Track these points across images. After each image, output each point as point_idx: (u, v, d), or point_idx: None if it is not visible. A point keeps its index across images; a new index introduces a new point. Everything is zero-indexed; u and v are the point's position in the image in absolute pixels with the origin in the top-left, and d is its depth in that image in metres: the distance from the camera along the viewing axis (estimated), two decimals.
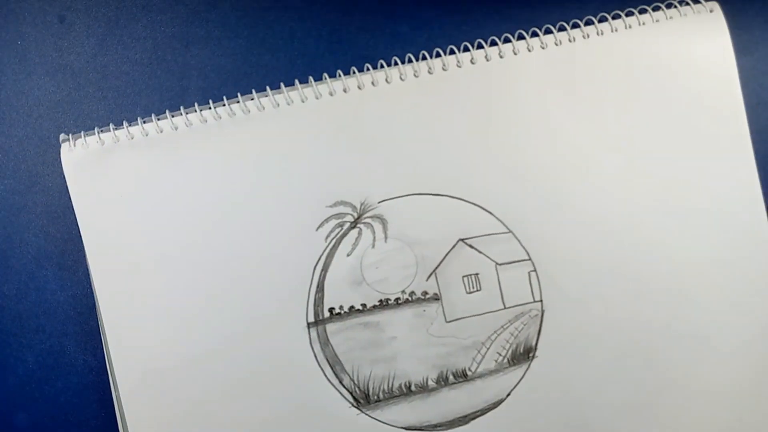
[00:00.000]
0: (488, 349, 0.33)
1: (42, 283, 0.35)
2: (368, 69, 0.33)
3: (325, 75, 0.33)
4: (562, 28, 0.34)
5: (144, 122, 0.32)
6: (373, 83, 0.33)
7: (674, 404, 0.33)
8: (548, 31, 0.34)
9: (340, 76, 0.33)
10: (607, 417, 0.33)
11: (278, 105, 0.33)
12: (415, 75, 0.33)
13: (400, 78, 0.33)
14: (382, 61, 0.33)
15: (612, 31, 0.34)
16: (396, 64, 0.33)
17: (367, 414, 0.33)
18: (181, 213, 0.32)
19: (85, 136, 0.32)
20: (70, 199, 0.33)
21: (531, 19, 0.35)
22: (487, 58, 0.33)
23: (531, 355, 0.33)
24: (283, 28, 0.35)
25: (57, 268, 0.34)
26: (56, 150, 0.33)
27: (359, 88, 0.33)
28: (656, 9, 0.34)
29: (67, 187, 0.32)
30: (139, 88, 0.34)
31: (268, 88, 0.33)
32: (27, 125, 0.34)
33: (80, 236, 0.33)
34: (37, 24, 0.34)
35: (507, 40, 0.34)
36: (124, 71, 0.34)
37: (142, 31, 0.34)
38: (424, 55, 0.33)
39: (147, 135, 0.32)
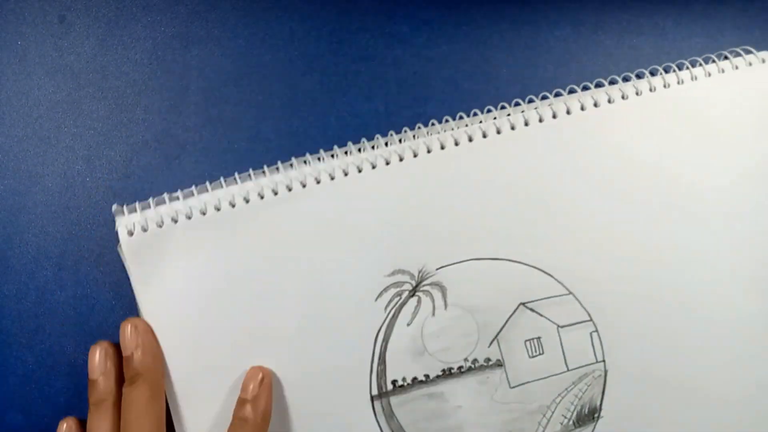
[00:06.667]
0: (553, 412, 0.33)
1: (42, 283, 0.34)
2: (419, 127, 0.33)
3: (378, 136, 0.33)
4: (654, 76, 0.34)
5: (198, 192, 0.32)
6: (428, 150, 0.33)
7: None
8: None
9: (391, 134, 0.33)
10: None
11: (334, 178, 0.32)
12: (469, 140, 0.33)
13: (455, 143, 0.33)
14: (419, 124, 0.33)
15: (692, 80, 0.34)
16: (447, 121, 0.33)
17: None
18: (242, 290, 0.32)
19: (139, 209, 0.31)
20: (70, 199, 0.34)
21: (530, 19, 0.36)
22: (554, 115, 0.33)
23: (596, 415, 0.33)
24: (283, 28, 0.34)
25: (57, 268, 0.34)
26: (56, 150, 0.34)
27: (415, 155, 0.33)
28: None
29: (67, 187, 0.34)
30: (139, 88, 0.34)
31: (321, 151, 0.33)
32: (27, 125, 0.34)
33: (80, 236, 0.34)
34: (37, 24, 0.34)
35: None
36: (124, 71, 0.34)
37: (142, 31, 0.34)
38: (475, 112, 0.33)
39: (204, 214, 0.31)
